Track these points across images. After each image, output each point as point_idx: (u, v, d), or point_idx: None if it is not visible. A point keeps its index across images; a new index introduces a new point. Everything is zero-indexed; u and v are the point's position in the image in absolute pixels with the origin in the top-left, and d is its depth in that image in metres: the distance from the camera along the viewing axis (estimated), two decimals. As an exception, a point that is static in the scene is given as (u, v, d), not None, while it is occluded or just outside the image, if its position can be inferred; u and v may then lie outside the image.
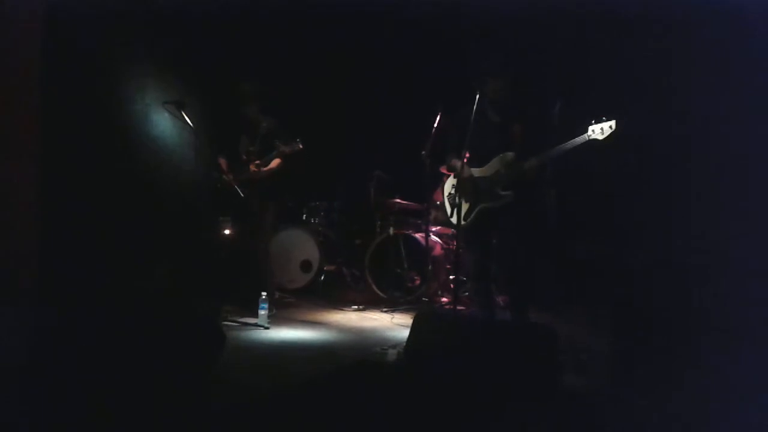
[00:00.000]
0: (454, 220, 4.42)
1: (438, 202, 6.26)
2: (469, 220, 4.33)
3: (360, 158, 6.82)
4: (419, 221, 6.34)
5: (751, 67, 4.14)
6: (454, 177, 4.43)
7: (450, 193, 4.51)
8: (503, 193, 4.21)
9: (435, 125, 5.45)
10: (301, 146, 5.17)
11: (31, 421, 2.66)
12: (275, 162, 5.23)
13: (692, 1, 4.35)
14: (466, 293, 5.84)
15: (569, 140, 4.00)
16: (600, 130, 3.91)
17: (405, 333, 3.93)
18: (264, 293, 4.83)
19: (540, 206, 4.53)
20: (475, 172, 4.32)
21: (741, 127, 4.27)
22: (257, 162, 5.20)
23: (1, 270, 3.25)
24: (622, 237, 5.20)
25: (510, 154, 4.21)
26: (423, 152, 5.50)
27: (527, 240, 4.30)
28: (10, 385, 2.92)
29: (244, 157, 5.33)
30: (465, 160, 4.18)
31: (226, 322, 4.74)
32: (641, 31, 4.85)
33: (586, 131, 3.95)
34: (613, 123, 3.89)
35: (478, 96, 4.08)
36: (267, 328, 4.74)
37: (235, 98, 5.30)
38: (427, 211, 6.07)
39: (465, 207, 4.32)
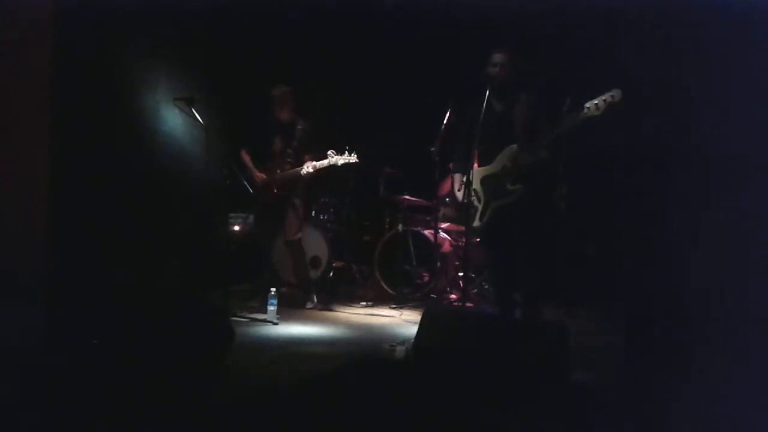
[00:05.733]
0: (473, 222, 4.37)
1: (447, 200, 6.26)
2: (484, 220, 4.30)
3: (369, 154, 6.80)
4: (428, 218, 6.33)
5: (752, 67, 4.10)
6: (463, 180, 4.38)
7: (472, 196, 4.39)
8: (512, 187, 4.16)
9: (444, 120, 5.43)
10: (356, 159, 5.22)
11: (37, 420, 2.66)
12: (322, 164, 5.27)
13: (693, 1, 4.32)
14: (475, 290, 5.83)
15: (565, 122, 3.93)
16: (595, 107, 3.81)
17: (413, 329, 3.92)
18: (273, 289, 4.84)
19: (551, 198, 4.45)
20: (484, 170, 4.29)
21: (741, 127, 4.23)
22: (314, 160, 5.25)
23: (9, 268, 3.26)
24: (624, 234, 5.17)
25: (513, 147, 4.14)
26: (432, 148, 5.48)
27: (543, 234, 4.26)
28: (16, 382, 2.94)
29: (280, 158, 5.38)
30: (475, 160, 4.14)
31: (235, 318, 4.75)
32: (641, 29, 4.81)
33: (582, 110, 3.85)
34: (607, 96, 3.80)
35: (488, 88, 4.05)
36: (276, 323, 4.75)
37: (267, 101, 5.35)
38: (436, 208, 6.06)
39: (479, 207, 4.29)
